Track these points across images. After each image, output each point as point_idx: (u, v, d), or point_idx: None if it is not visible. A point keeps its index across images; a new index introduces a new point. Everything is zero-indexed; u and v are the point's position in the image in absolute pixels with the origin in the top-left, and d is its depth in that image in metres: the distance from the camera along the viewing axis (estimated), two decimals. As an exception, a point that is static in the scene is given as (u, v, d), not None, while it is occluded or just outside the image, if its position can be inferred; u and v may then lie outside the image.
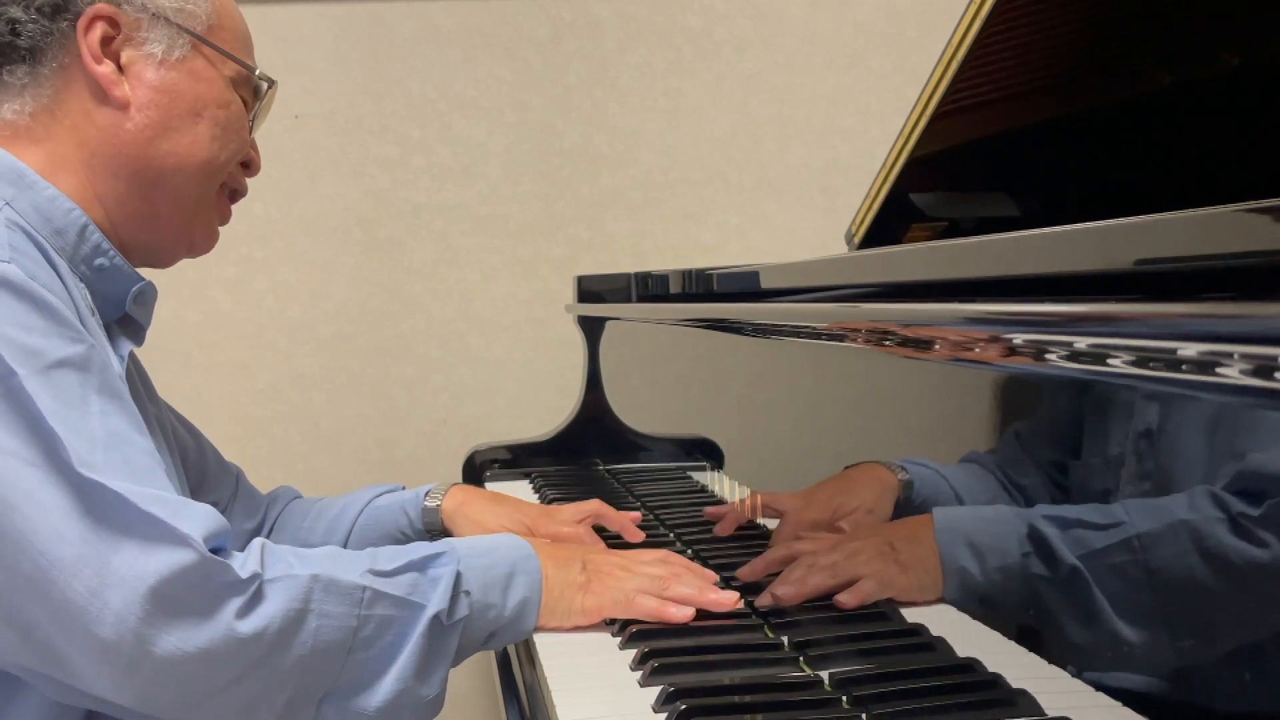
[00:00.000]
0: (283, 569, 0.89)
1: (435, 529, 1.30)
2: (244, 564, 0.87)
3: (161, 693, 0.85)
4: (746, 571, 1.10)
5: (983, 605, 0.87)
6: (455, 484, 1.34)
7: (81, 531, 0.83)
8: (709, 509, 1.37)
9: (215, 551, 0.86)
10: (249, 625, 0.86)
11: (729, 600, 1.02)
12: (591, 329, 1.96)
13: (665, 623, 0.99)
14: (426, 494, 1.31)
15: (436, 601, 0.93)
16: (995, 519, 0.83)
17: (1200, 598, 0.64)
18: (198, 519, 0.86)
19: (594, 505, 1.32)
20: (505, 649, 1.10)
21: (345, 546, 1.30)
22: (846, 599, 0.98)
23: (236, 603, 0.86)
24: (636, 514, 1.33)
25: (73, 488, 0.84)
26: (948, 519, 0.90)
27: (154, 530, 0.84)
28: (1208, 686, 0.66)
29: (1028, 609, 0.80)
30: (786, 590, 1.01)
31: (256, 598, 0.87)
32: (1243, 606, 0.62)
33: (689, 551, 1.25)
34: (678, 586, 1.02)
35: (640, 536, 1.30)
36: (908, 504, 1.00)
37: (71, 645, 0.83)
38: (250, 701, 0.87)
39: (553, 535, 1.26)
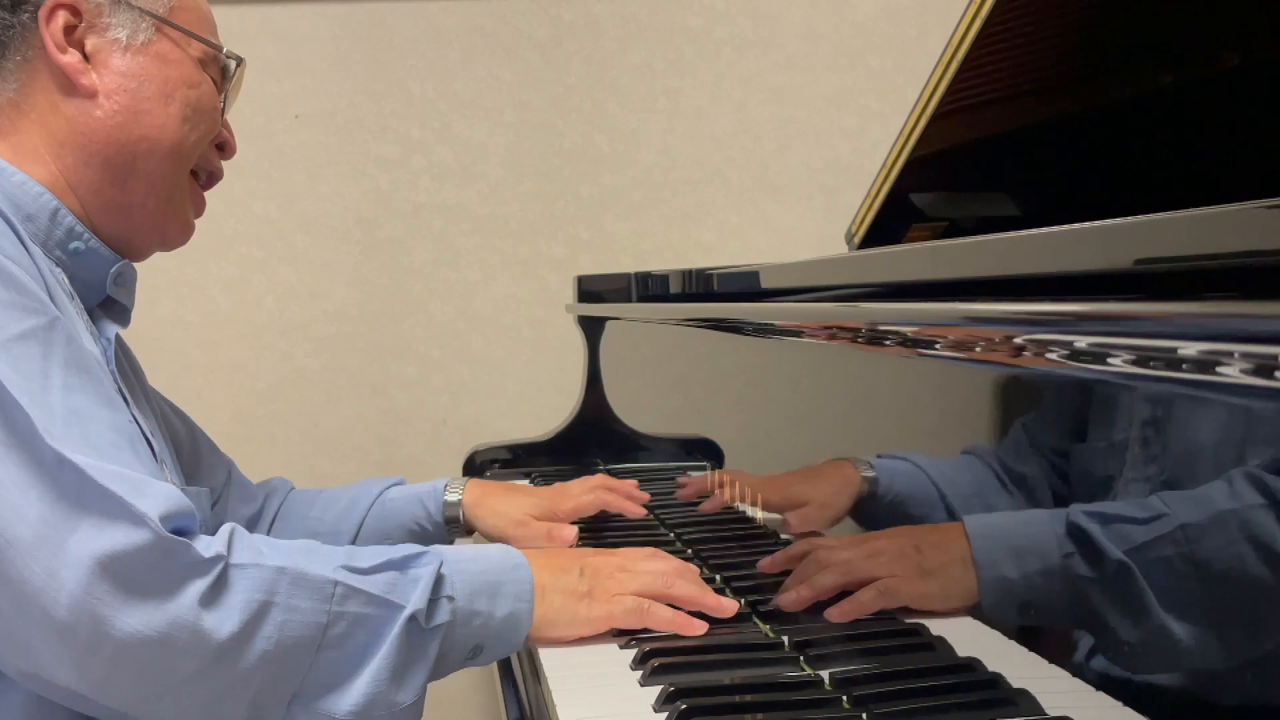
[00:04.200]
0: (250, 556, 0.86)
1: (455, 522, 1.30)
2: (208, 546, 0.85)
3: (121, 679, 0.83)
4: (768, 564, 1.09)
5: (1020, 613, 0.84)
6: (469, 479, 1.34)
7: (41, 510, 0.81)
8: (680, 479, 1.42)
9: (177, 532, 0.84)
10: (210, 615, 0.83)
11: (730, 607, 1.00)
12: (591, 329, 1.96)
13: (682, 634, 0.97)
14: (446, 486, 1.30)
15: (414, 602, 0.89)
16: (1030, 521, 0.81)
17: (1221, 589, 0.64)
18: (157, 497, 0.83)
19: (600, 478, 1.34)
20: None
21: (357, 538, 1.29)
22: (836, 614, 0.96)
23: (199, 585, 0.83)
24: (637, 489, 1.37)
25: (34, 462, 0.82)
26: (982, 525, 0.86)
27: (111, 507, 0.81)
28: (1220, 683, 0.66)
29: (1063, 610, 0.79)
30: (799, 594, 1.00)
31: (221, 583, 0.84)
32: (1256, 599, 0.62)
33: (689, 552, 1.26)
34: (680, 586, 1.00)
35: (644, 498, 1.34)
36: (873, 500, 1.00)
37: (31, 628, 0.81)
38: (214, 698, 0.85)
39: (573, 510, 1.28)
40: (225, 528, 0.88)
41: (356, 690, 0.87)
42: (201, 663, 0.83)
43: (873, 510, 1.02)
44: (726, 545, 1.25)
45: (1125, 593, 0.70)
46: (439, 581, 0.91)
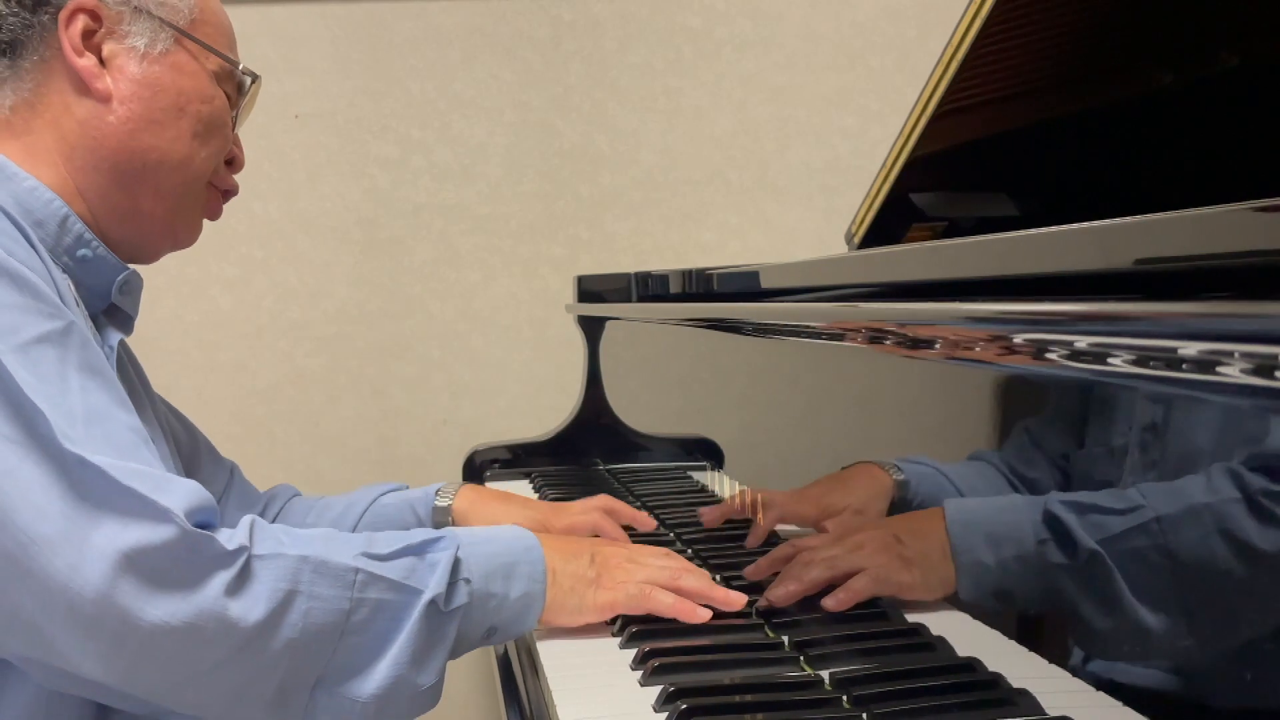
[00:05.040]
0: (272, 546, 0.87)
1: (444, 526, 1.27)
2: (231, 538, 0.86)
3: (148, 669, 0.84)
4: (752, 571, 1.10)
5: (998, 599, 0.85)
6: (465, 484, 1.33)
7: (62, 508, 0.82)
8: (703, 509, 1.37)
9: (200, 526, 0.85)
10: (237, 604, 0.84)
11: (738, 600, 1.01)
12: (591, 329, 1.96)
13: (683, 619, 0.98)
14: (437, 492, 1.30)
15: (433, 586, 0.91)
16: (1009, 508, 0.82)
17: (1219, 586, 0.64)
18: (179, 493, 0.85)
19: (601, 499, 1.31)
20: (505, 649, 1.10)
21: None
22: (833, 602, 0.97)
23: (224, 576, 0.84)
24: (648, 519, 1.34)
25: (54, 463, 0.83)
26: (960, 510, 0.87)
27: (134, 505, 0.83)
28: (1218, 682, 0.66)
29: (1045, 600, 0.79)
30: (786, 589, 1.01)
31: (245, 574, 0.85)
32: (1254, 598, 0.62)
33: (689, 551, 1.26)
34: (688, 579, 1.01)
35: (651, 525, 1.31)
36: (904, 505, 0.99)
37: (55, 624, 0.82)
38: (240, 685, 0.86)
39: (568, 527, 1.26)
40: (246, 520, 0.89)
41: (379, 674, 0.89)
42: (228, 651, 0.84)
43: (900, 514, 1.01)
44: (726, 545, 1.26)
45: (1103, 582, 0.70)
46: (456, 565, 0.93)
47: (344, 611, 0.88)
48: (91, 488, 0.83)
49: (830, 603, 0.97)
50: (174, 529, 0.83)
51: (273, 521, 1.31)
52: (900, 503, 0.99)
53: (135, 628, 0.82)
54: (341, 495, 1.35)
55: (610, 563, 1.02)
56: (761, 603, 1.02)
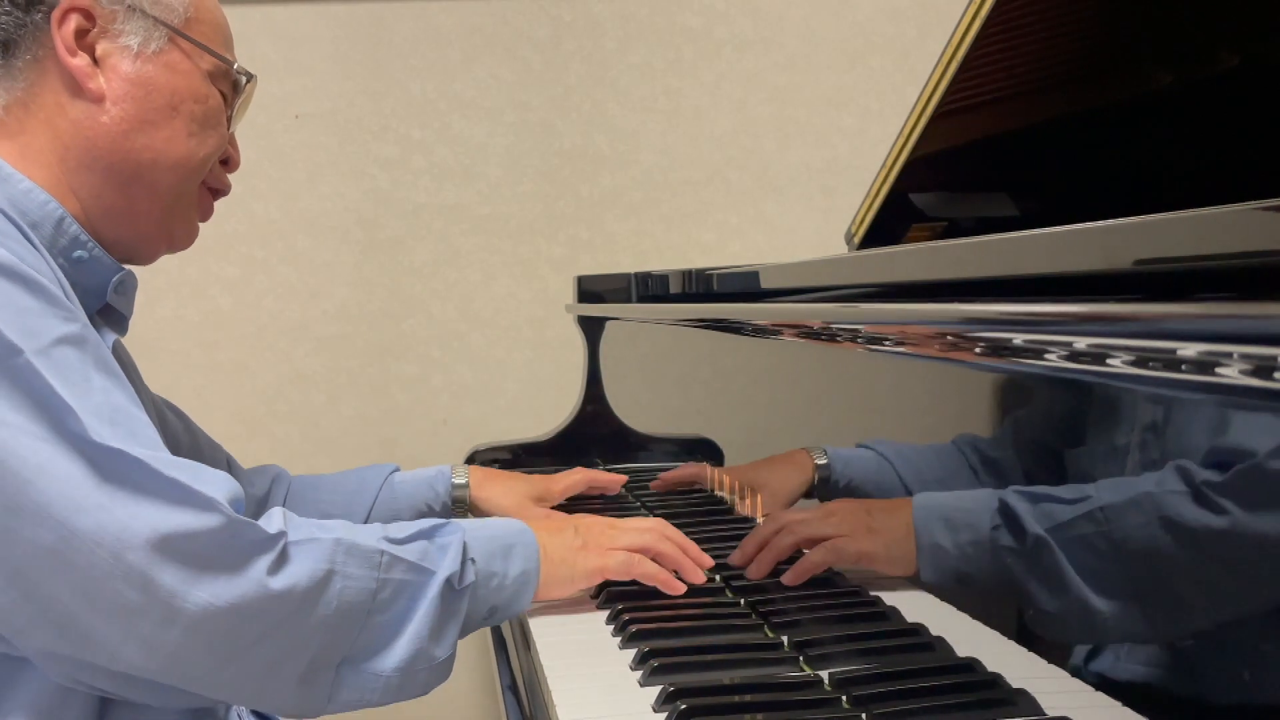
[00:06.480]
0: (308, 532, 0.92)
1: (461, 504, 1.40)
2: (269, 522, 0.90)
3: (191, 652, 0.86)
4: (738, 557, 1.16)
5: (958, 582, 0.89)
6: (470, 466, 1.44)
7: (99, 499, 0.84)
8: (657, 480, 1.53)
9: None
10: (279, 581, 0.88)
11: (705, 563, 1.11)
12: (591, 329, 1.96)
13: (662, 589, 1.08)
14: (453, 470, 1.40)
15: (447, 566, 0.96)
16: (971, 499, 0.86)
17: (1222, 587, 0.64)
18: (219, 483, 0.88)
19: (580, 473, 1.47)
20: (505, 648, 1.11)
21: (369, 518, 1.37)
22: (788, 577, 1.06)
23: (266, 559, 0.88)
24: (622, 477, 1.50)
25: (86, 458, 0.85)
26: (927, 499, 0.93)
27: (178, 494, 0.85)
28: (1217, 681, 0.66)
29: (1045, 601, 0.80)
30: (760, 560, 1.11)
31: (284, 557, 0.89)
32: (1256, 598, 0.62)
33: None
34: (665, 545, 1.10)
35: (620, 484, 1.49)
36: (828, 486, 1.08)
37: (97, 615, 0.84)
38: (275, 660, 0.89)
39: (564, 489, 1.43)
40: (277, 510, 0.93)
41: (400, 649, 0.93)
42: (267, 626, 0.88)
43: (830, 496, 1.10)
44: (727, 546, 1.25)
45: (1105, 584, 0.70)
46: (464, 547, 0.99)
47: (371, 591, 0.92)
48: (128, 478, 0.85)
49: (787, 578, 1.06)
50: (220, 517, 0.86)
51: (284, 500, 1.39)
52: (822, 484, 1.09)
53: (181, 611, 0.84)
54: (344, 473, 1.42)
55: (593, 530, 1.10)
56: (734, 557, 1.13)
